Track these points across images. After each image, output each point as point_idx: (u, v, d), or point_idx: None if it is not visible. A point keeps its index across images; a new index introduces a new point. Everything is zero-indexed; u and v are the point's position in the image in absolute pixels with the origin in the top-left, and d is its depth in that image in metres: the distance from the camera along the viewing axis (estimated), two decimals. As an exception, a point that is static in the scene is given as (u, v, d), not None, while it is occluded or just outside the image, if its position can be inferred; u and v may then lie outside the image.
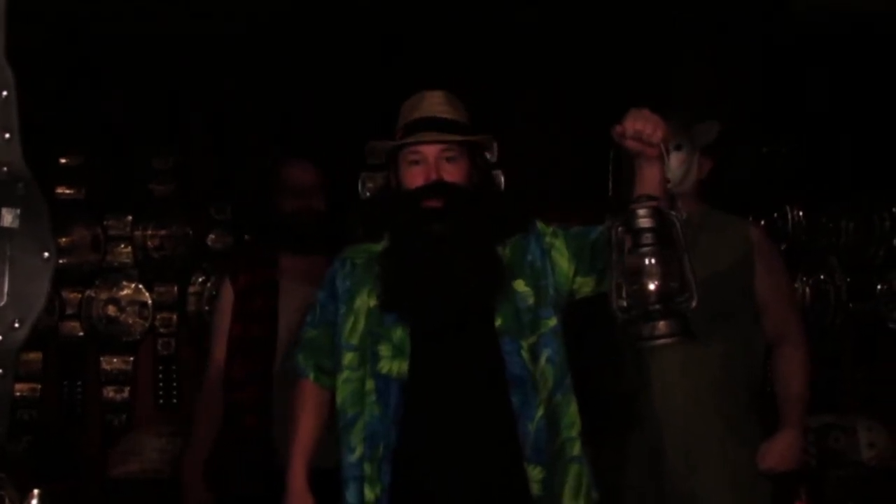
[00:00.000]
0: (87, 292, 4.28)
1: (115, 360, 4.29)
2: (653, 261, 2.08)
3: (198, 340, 4.03)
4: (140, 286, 4.30)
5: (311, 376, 2.57)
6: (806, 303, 4.23)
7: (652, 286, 2.08)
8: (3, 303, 1.42)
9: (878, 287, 4.32)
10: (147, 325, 4.29)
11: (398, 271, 2.45)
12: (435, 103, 2.52)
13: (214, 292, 3.86)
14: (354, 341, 2.46)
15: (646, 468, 3.00)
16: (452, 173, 2.45)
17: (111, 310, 4.28)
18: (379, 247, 2.53)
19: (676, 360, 2.95)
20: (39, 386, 4.23)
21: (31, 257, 1.45)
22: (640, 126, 2.21)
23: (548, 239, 2.49)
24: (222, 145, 4.31)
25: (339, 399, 2.47)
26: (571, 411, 2.42)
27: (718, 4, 4.01)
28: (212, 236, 4.30)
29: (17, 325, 1.43)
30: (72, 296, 4.28)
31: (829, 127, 4.27)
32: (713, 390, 2.99)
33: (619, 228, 2.14)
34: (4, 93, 1.45)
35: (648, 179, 2.25)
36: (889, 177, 4.20)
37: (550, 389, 2.41)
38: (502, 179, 3.81)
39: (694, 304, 2.09)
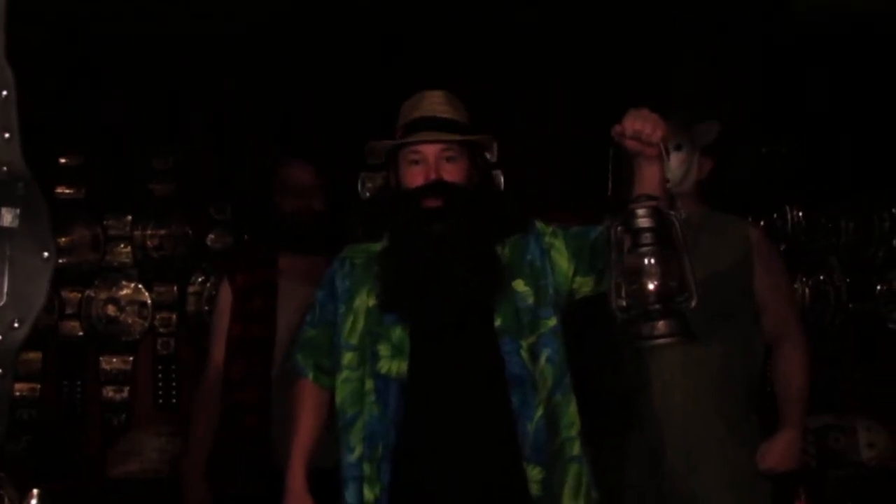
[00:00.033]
0: (87, 292, 4.28)
1: (114, 359, 4.29)
2: (652, 260, 2.08)
3: (197, 340, 4.03)
4: (140, 286, 4.30)
5: (311, 376, 2.57)
6: (806, 303, 4.23)
7: (651, 286, 2.08)
8: (2, 302, 1.42)
9: (878, 287, 4.32)
10: (146, 324, 4.29)
11: (398, 271, 2.45)
12: (435, 103, 2.52)
13: (214, 292, 3.86)
14: (354, 341, 2.46)
15: (645, 468, 3.01)
16: (452, 173, 2.45)
17: (111, 309, 4.28)
18: (378, 246, 2.53)
19: (676, 359, 2.95)
20: (39, 385, 4.23)
21: (30, 257, 1.45)
22: (640, 125, 2.21)
23: (547, 239, 2.49)
24: (222, 145, 4.31)
25: (338, 399, 2.47)
26: (571, 411, 2.42)
27: (718, 4, 4.01)
28: (211, 236, 4.30)
29: (16, 324, 1.43)
30: (71, 295, 4.28)
31: (829, 127, 4.27)
32: (713, 390, 2.99)
33: (619, 228, 2.14)
34: (4, 92, 1.45)
35: (648, 179, 2.25)
36: (889, 177, 4.20)
37: (550, 389, 2.41)
38: (502, 179, 3.81)
39: (693, 303, 2.09)
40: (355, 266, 2.54)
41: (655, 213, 2.12)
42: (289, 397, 2.64)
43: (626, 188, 2.30)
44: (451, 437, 2.38)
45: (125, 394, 4.29)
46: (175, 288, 4.30)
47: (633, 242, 2.11)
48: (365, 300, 2.48)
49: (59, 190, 4.27)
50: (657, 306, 2.08)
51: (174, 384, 4.28)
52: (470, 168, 2.50)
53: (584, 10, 4.00)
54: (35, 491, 1.50)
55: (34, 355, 4.21)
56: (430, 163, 2.45)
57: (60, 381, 4.28)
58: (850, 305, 4.31)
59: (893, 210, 4.32)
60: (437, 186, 2.43)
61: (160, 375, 4.29)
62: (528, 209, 2.67)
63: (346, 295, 2.51)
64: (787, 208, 4.29)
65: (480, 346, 2.41)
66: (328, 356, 2.53)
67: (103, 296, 4.28)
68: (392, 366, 2.41)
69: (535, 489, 2.35)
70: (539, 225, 2.52)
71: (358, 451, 2.41)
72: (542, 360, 2.41)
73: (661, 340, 2.10)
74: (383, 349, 2.42)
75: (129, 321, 4.28)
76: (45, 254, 1.46)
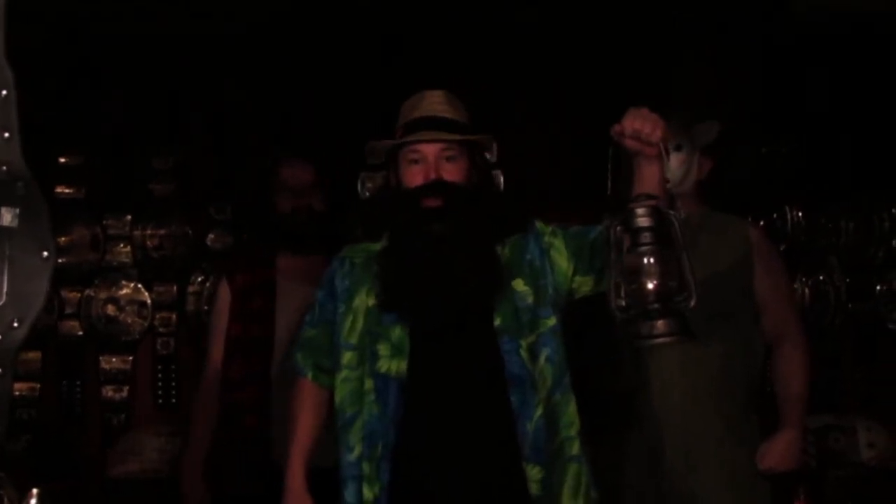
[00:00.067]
0: (87, 292, 4.28)
1: (114, 359, 4.29)
2: (651, 260, 2.08)
3: (197, 340, 4.03)
4: (139, 286, 4.30)
5: (310, 375, 2.57)
6: (805, 303, 4.23)
7: (650, 285, 2.08)
8: (2, 302, 1.42)
9: (878, 287, 4.32)
10: (146, 324, 4.29)
11: (397, 271, 2.45)
12: (435, 103, 2.52)
13: (213, 292, 3.86)
14: (353, 340, 2.46)
15: (645, 467, 3.01)
16: (452, 173, 2.45)
17: (110, 309, 4.28)
18: (378, 246, 2.53)
19: (675, 359, 2.95)
20: (38, 385, 4.23)
21: (30, 256, 1.45)
22: (639, 125, 2.21)
23: (547, 238, 2.49)
24: (222, 145, 4.31)
25: (337, 398, 2.47)
26: (570, 410, 2.42)
27: (718, 4, 4.01)
28: (211, 236, 4.30)
29: (16, 324, 1.43)
30: (71, 295, 4.28)
31: (829, 127, 4.27)
32: (712, 390, 2.99)
33: (618, 227, 2.14)
34: (4, 92, 1.45)
35: (647, 178, 2.25)
36: (889, 177, 4.20)
37: (549, 389, 2.41)
38: (502, 179, 3.81)
39: (692, 303, 2.09)
40: (355, 265, 2.54)
41: (655, 213, 2.12)
42: (288, 397, 2.64)
43: (625, 188, 2.30)
44: (451, 436, 2.38)
45: (125, 393, 4.29)
46: (175, 288, 4.30)
47: (632, 242, 2.11)
48: (364, 299, 2.48)
49: (59, 190, 4.27)
50: (656, 305, 2.08)
51: (174, 384, 4.28)
52: (470, 168, 2.50)
53: (584, 10, 4.00)
54: (35, 491, 1.50)
55: (34, 355, 4.21)
56: (429, 162, 2.45)
57: (60, 381, 4.28)
58: (850, 305, 4.31)
59: (893, 210, 4.32)
60: (436, 186, 2.43)
61: (160, 375, 4.29)
62: (527, 209, 2.67)
63: (345, 294, 2.51)
64: (787, 208, 4.29)
65: (480, 346, 2.41)
66: (328, 356, 2.53)
67: (103, 295, 4.28)
68: (391, 365, 2.41)
69: (534, 488, 2.35)
70: (538, 224, 2.52)
71: (357, 451, 2.41)
72: (542, 359, 2.41)
73: (660, 340, 2.10)
74: (383, 348, 2.42)
75: (129, 321, 4.29)
76: (45, 253, 1.46)
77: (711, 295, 2.39)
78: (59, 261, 4.05)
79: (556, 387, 2.41)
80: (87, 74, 4.22)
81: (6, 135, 1.45)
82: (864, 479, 4.08)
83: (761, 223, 4.07)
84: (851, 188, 4.31)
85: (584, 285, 2.47)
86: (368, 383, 2.42)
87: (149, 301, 4.29)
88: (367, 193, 4.10)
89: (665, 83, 4.06)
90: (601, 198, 2.39)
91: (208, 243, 4.30)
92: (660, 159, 2.24)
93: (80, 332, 4.29)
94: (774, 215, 4.29)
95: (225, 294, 3.30)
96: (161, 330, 4.30)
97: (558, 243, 2.48)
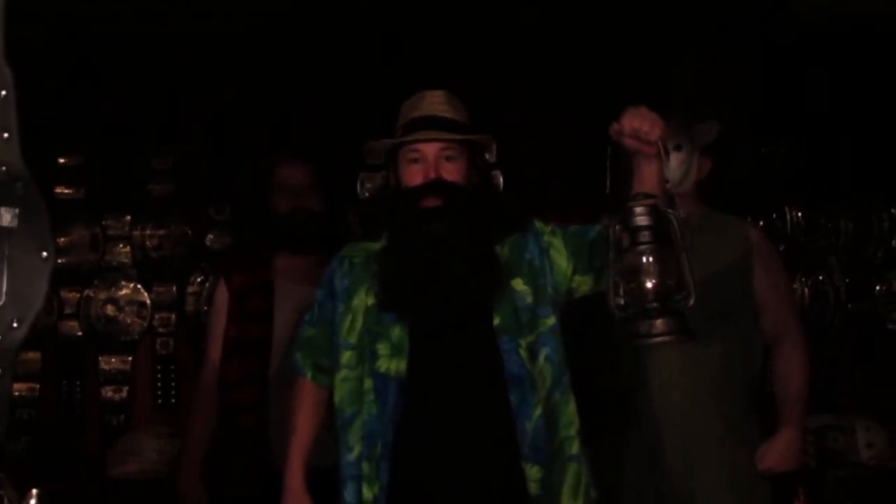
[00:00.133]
0: (86, 292, 4.29)
1: (113, 359, 4.29)
2: (650, 259, 2.08)
3: (196, 340, 4.02)
4: (139, 286, 4.30)
5: (309, 375, 2.57)
6: (805, 303, 4.24)
7: (649, 284, 2.08)
8: (1, 302, 1.42)
9: (877, 287, 4.33)
10: (145, 324, 4.29)
11: (397, 270, 2.45)
12: (435, 102, 2.52)
13: (212, 292, 3.86)
14: (353, 340, 2.46)
15: (644, 467, 3.01)
16: (452, 172, 2.45)
17: (110, 309, 4.28)
18: (377, 245, 2.53)
19: (675, 359, 2.95)
20: (38, 385, 4.24)
21: (29, 257, 1.44)
22: (638, 124, 2.21)
23: (546, 238, 2.49)
24: (222, 145, 4.31)
25: (337, 398, 2.47)
26: (570, 410, 2.42)
27: (718, 4, 4.01)
28: (210, 236, 4.31)
29: (15, 324, 1.43)
30: (70, 295, 4.29)
31: (829, 127, 4.28)
32: (712, 390, 2.99)
33: (617, 227, 2.14)
34: (3, 92, 1.44)
35: (646, 177, 2.25)
36: (889, 177, 4.21)
37: (549, 388, 2.40)
38: (501, 179, 3.80)
39: (691, 302, 2.09)
40: (354, 265, 2.54)
41: (653, 212, 2.12)
42: (287, 397, 2.64)
43: (624, 187, 2.30)
44: (450, 436, 2.38)
45: (124, 394, 4.29)
46: (174, 288, 4.30)
47: (631, 241, 2.11)
48: (364, 299, 2.47)
49: (59, 190, 4.27)
50: (655, 304, 2.08)
51: (173, 384, 4.28)
52: (469, 168, 2.50)
53: (584, 11, 4.00)
54: (34, 491, 1.50)
55: (33, 355, 4.21)
56: (429, 162, 2.45)
57: (59, 381, 4.28)
58: (850, 305, 4.31)
59: (893, 210, 4.33)
60: (436, 186, 2.43)
61: (159, 375, 4.30)
62: (527, 209, 2.67)
63: (344, 294, 2.51)
64: (787, 208, 4.29)
65: (479, 346, 2.41)
66: (327, 355, 2.53)
67: (102, 296, 4.29)
68: (391, 365, 2.41)
69: (533, 488, 2.35)
70: (538, 224, 2.52)
71: (357, 450, 2.41)
72: (541, 359, 2.41)
73: (659, 339, 2.10)
74: (382, 348, 2.42)
75: (128, 321, 4.29)
76: (44, 254, 1.45)
77: (711, 295, 2.39)
78: (59, 261, 4.05)
79: (556, 386, 2.41)
80: (86, 74, 4.22)
81: (6, 135, 1.45)
82: (863, 479, 4.08)
83: (761, 223, 4.07)
84: (851, 188, 4.32)
85: (583, 284, 2.46)
86: (368, 383, 2.42)
87: (148, 301, 4.29)
88: (367, 193, 4.09)
89: (665, 83, 4.06)
90: (600, 197, 2.39)
91: (207, 243, 4.30)
92: (658, 158, 2.24)
93: (80, 333, 4.30)
94: (774, 215, 4.29)
95: (222, 295, 3.30)
96: (160, 330, 4.31)
97: (557, 243, 2.48)
